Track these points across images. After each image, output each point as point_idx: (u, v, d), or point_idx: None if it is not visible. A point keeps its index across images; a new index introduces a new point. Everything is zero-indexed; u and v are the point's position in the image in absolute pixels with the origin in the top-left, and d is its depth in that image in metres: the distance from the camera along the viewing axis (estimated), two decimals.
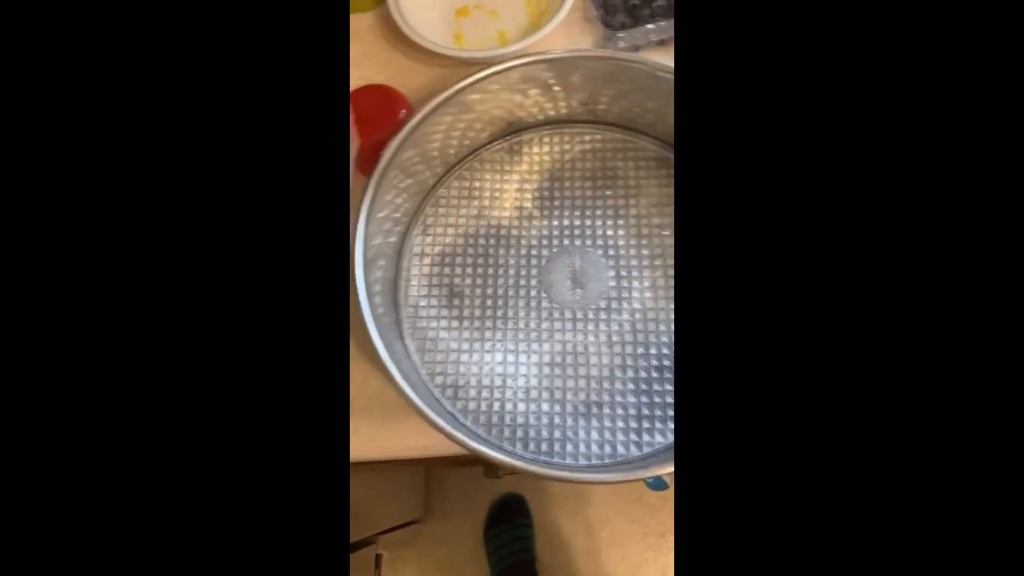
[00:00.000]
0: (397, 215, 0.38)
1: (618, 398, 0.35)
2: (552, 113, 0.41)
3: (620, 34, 0.42)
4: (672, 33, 0.44)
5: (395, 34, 0.46)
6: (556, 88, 0.39)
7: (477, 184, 0.41)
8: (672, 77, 0.35)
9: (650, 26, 0.43)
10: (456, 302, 0.38)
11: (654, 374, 0.35)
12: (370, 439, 0.35)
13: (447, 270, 0.39)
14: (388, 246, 0.38)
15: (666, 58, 0.42)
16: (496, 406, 0.35)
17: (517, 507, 1.01)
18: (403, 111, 0.39)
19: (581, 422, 0.34)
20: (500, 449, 0.32)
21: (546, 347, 0.36)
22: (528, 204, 0.40)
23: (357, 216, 0.33)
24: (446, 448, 0.33)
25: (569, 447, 0.33)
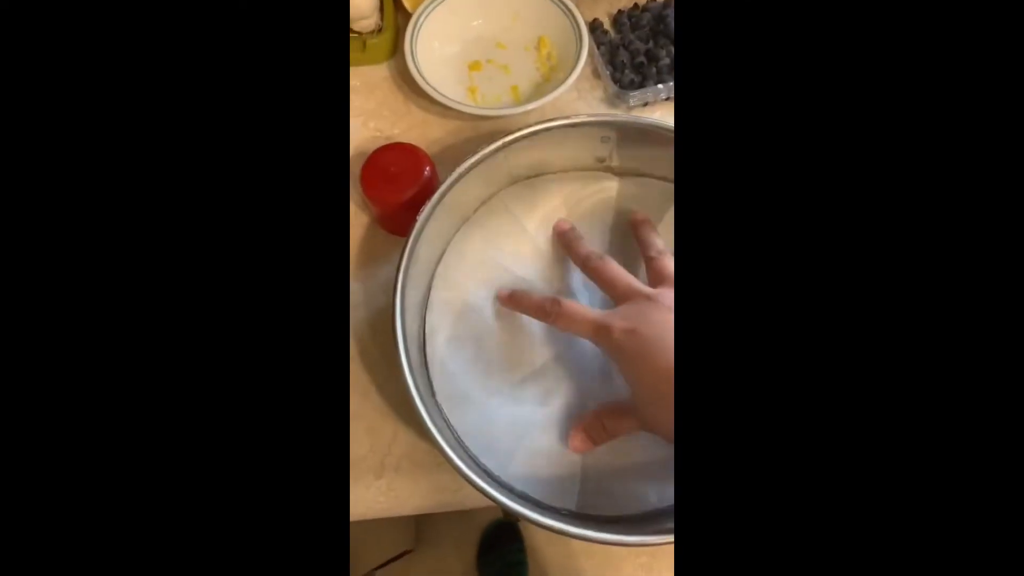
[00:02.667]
0: (422, 269, 0.39)
1: (649, 449, 0.36)
2: (568, 166, 0.43)
3: (633, 93, 0.44)
4: None
5: (410, 85, 0.47)
6: (571, 147, 0.41)
7: (494, 233, 0.42)
8: None
9: (660, 86, 0.45)
10: (483, 355, 0.39)
11: None
12: (405, 495, 0.36)
13: (472, 321, 0.39)
14: (414, 301, 0.38)
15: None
16: (529, 461, 0.36)
17: (510, 533, 1.01)
18: (427, 168, 0.40)
19: (616, 472, 0.35)
20: (539, 508, 0.33)
21: (575, 399, 0.37)
22: (548, 252, 0.41)
23: (396, 278, 0.34)
24: (479, 501, 0.34)
25: (604, 500, 0.35)
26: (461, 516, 1.02)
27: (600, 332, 0.33)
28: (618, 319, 0.33)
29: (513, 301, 0.38)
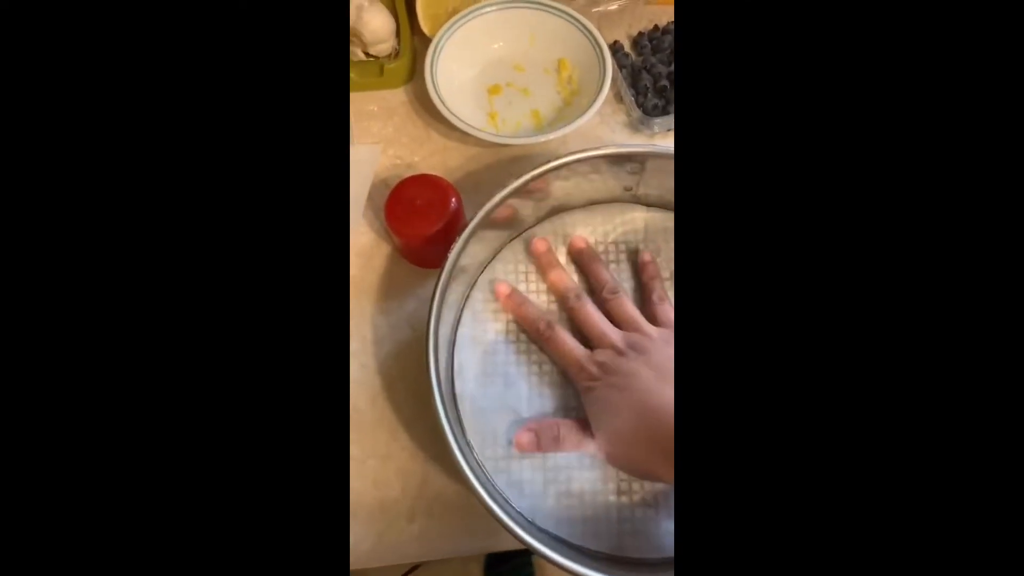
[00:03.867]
0: (450, 302, 0.38)
1: None
2: (594, 196, 0.42)
3: (657, 119, 0.44)
4: None
5: (429, 111, 0.47)
6: (597, 177, 0.40)
7: (523, 267, 0.41)
8: None
9: None
10: (512, 392, 0.38)
11: None
12: (439, 541, 0.35)
13: (500, 358, 0.39)
14: (444, 337, 0.37)
15: None
16: (562, 502, 0.35)
17: (517, 559, 1.00)
18: (453, 200, 0.39)
19: (650, 513, 0.35)
20: (575, 551, 0.32)
21: None
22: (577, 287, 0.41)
23: (429, 316, 0.33)
24: (513, 544, 0.33)
25: (641, 542, 0.34)
26: None
27: (580, 373, 0.34)
28: (598, 369, 0.34)
29: (511, 303, 0.38)
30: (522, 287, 0.41)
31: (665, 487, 0.35)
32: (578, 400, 0.37)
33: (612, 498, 0.35)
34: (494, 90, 0.48)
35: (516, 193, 0.37)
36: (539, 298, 0.40)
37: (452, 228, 0.37)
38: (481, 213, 0.36)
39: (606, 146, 0.38)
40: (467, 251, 0.37)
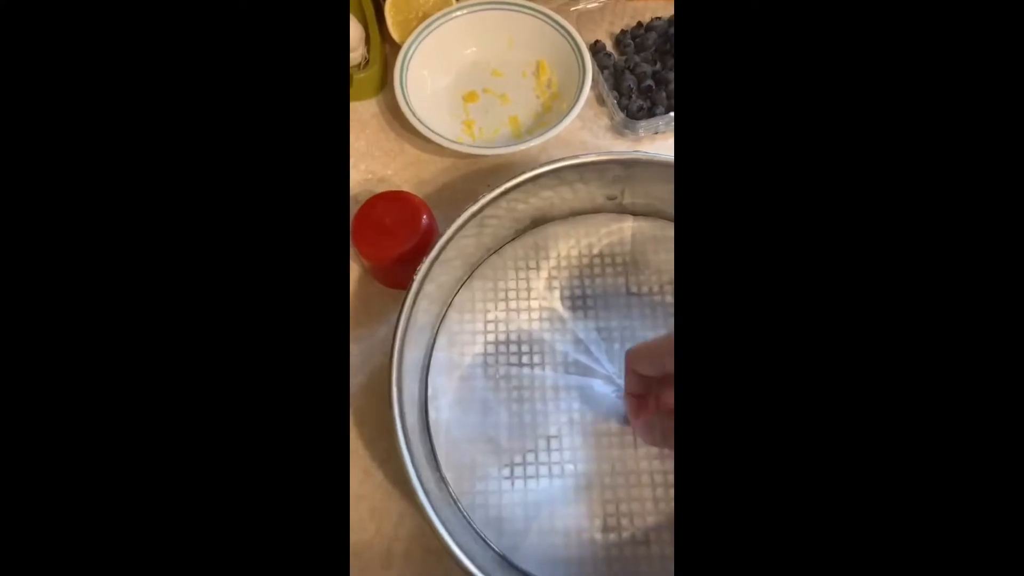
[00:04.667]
0: (422, 325, 0.36)
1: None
2: (577, 206, 0.40)
3: (642, 122, 0.41)
4: None
5: (401, 122, 0.44)
6: (581, 185, 0.38)
7: (502, 284, 0.39)
8: None
9: (671, 114, 0.41)
10: (491, 420, 0.35)
11: None
12: None
13: (478, 383, 0.36)
14: (415, 362, 0.35)
15: None
16: (545, 540, 0.32)
17: None
18: (424, 217, 0.36)
19: (640, 551, 0.32)
20: None
21: (593, 467, 0.34)
22: (558, 304, 0.38)
23: (394, 342, 0.31)
24: None
25: None
26: None
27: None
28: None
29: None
30: (501, 305, 0.38)
31: (655, 522, 0.33)
32: (559, 428, 0.35)
33: (599, 535, 0.32)
34: (470, 97, 0.45)
35: (490, 206, 0.35)
36: (521, 316, 0.38)
37: (424, 246, 0.34)
38: (450, 231, 0.33)
39: (586, 154, 0.35)
40: (440, 269, 0.35)
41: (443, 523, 0.28)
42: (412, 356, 0.34)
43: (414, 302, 0.32)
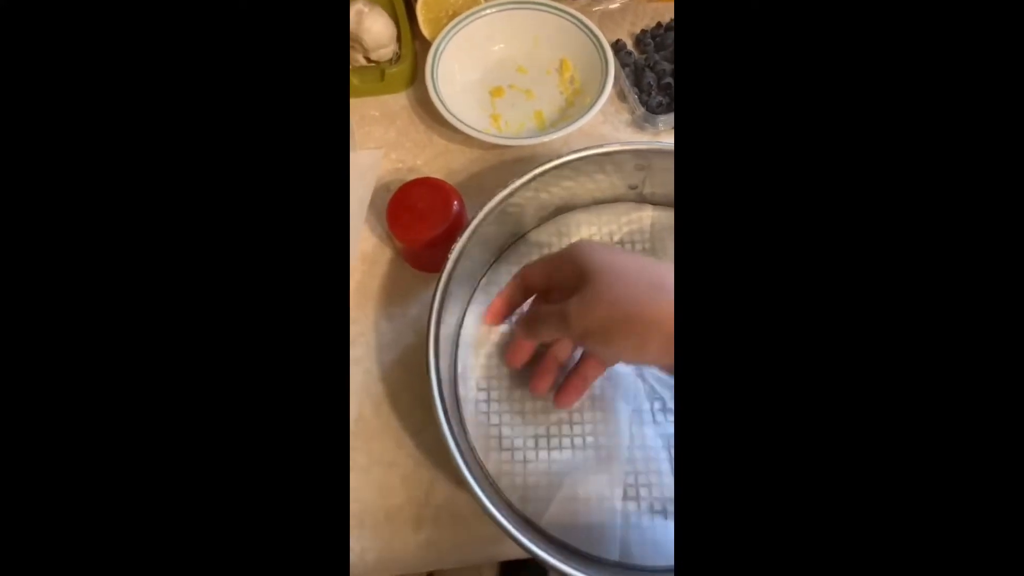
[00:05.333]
0: (451, 305, 0.38)
1: None
2: (599, 195, 0.42)
3: (662, 117, 0.43)
4: None
5: (431, 114, 0.46)
6: (602, 175, 0.40)
7: None
8: None
9: None
10: (516, 395, 0.37)
11: None
12: (446, 549, 0.34)
13: (504, 360, 0.38)
14: (446, 339, 0.37)
15: None
16: (567, 507, 0.34)
17: (533, 567, 0.99)
18: (455, 203, 0.38)
19: (658, 520, 0.34)
20: (581, 559, 0.31)
21: (614, 440, 0.36)
22: None
23: (429, 320, 0.33)
24: (520, 553, 0.33)
25: (648, 550, 0.33)
26: None
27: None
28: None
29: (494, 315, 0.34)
30: None
31: (671, 494, 0.34)
32: (582, 403, 0.37)
33: (619, 504, 0.34)
34: (496, 92, 0.48)
35: (517, 193, 0.36)
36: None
37: (454, 231, 0.36)
38: (481, 214, 0.35)
39: (610, 144, 0.37)
40: (469, 253, 0.37)
41: (478, 485, 0.30)
42: (444, 334, 0.36)
43: (448, 281, 0.34)
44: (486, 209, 0.35)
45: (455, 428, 0.33)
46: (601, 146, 0.37)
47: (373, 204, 0.43)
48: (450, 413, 0.34)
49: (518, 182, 0.36)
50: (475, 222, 0.35)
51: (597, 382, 0.37)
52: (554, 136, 0.42)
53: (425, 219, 0.37)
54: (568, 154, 0.36)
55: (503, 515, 0.29)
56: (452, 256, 0.34)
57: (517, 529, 0.29)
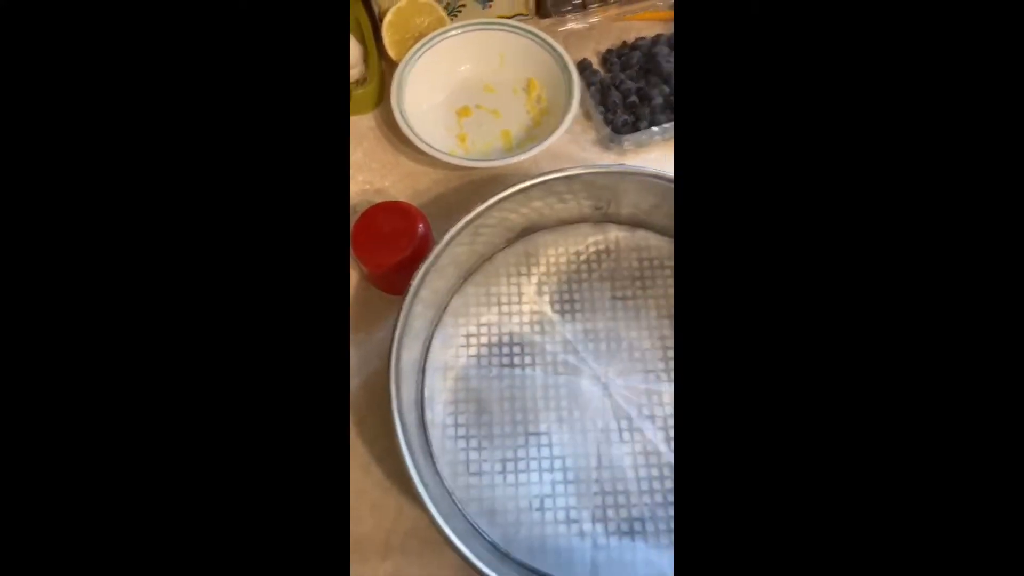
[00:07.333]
0: (417, 329, 0.38)
1: (659, 512, 0.35)
2: (565, 216, 0.42)
3: (627, 136, 0.43)
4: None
5: (398, 136, 0.46)
6: (569, 196, 0.40)
7: (494, 290, 0.41)
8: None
9: (655, 128, 0.44)
10: (485, 419, 0.37)
11: None
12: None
13: (472, 384, 0.38)
14: (411, 363, 0.37)
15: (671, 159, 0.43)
16: (536, 531, 0.34)
17: None
18: (420, 226, 0.38)
19: (626, 541, 0.34)
20: None
21: (581, 462, 0.36)
22: (547, 309, 0.40)
23: (391, 345, 0.33)
24: None
25: (616, 570, 0.33)
26: None
27: None
28: None
29: None
30: (494, 309, 0.40)
31: (639, 514, 0.34)
32: (549, 426, 0.37)
33: (587, 526, 0.34)
34: (463, 112, 0.48)
35: (483, 215, 0.37)
36: (512, 319, 0.40)
37: (420, 254, 0.36)
38: (445, 239, 0.35)
39: (573, 167, 0.38)
40: (436, 276, 0.37)
41: (440, 513, 0.30)
42: (409, 358, 0.36)
43: (410, 306, 0.34)
44: (450, 233, 0.35)
45: (419, 454, 0.33)
46: (564, 170, 0.37)
47: None
48: (415, 439, 0.34)
49: (482, 206, 0.36)
50: (439, 246, 0.35)
51: (564, 402, 0.37)
52: (521, 157, 0.42)
53: (390, 243, 0.37)
54: (535, 176, 0.37)
55: (466, 544, 0.29)
56: (414, 282, 0.34)
57: (479, 557, 0.29)
